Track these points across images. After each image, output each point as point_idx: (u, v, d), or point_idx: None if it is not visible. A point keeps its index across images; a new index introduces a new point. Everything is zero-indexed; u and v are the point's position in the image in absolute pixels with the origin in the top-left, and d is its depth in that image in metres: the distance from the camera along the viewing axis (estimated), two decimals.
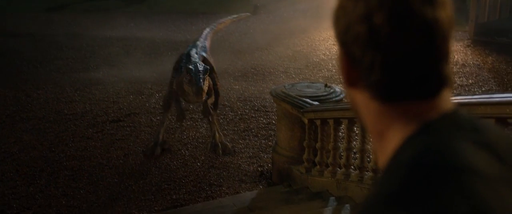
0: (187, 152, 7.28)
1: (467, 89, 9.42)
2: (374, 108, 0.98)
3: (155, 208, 5.97)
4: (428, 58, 0.94)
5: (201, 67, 6.34)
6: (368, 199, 0.89)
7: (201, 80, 6.18)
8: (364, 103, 1.00)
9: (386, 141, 0.99)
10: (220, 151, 7.17)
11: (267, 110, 8.73)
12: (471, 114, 1.03)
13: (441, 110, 0.97)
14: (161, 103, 7.65)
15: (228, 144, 7.34)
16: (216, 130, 7.30)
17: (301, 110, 5.74)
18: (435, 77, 0.95)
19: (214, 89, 7.15)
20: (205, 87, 6.23)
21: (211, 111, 7.16)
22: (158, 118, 8.28)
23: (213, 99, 7.29)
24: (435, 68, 0.95)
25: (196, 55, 7.08)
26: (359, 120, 1.06)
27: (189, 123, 8.16)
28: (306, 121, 5.75)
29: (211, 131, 7.34)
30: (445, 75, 0.96)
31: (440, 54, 0.95)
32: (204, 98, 6.41)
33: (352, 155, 5.49)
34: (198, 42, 7.74)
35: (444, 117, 0.97)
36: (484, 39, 12.50)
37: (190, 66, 6.33)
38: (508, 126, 3.20)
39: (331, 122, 5.39)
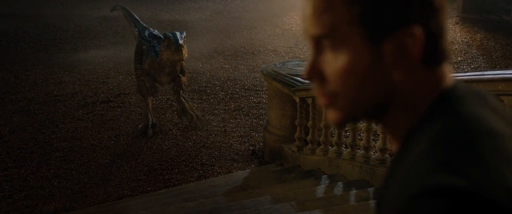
0: (178, 132, 7.28)
1: (456, 66, 9.45)
2: (421, 77, 0.97)
3: (148, 188, 5.97)
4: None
5: (178, 32, 6.54)
6: (412, 169, 0.87)
7: (180, 38, 6.37)
8: (412, 77, 0.97)
9: (410, 111, 0.99)
10: (195, 120, 7.30)
11: (257, 88, 8.72)
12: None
13: (449, 76, 1.00)
14: (138, 93, 7.59)
15: (200, 116, 7.46)
16: (186, 102, 7.40)
17: (293, 89, 5.72)
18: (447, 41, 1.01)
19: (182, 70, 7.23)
20: (185, 48, 6.41)
21: (183, 86, 7.25)
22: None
23: (185, 79, 7.31)
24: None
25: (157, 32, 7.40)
26: (373, 114, 1.02)
27: None
28: (297, 100, 5.74)
29: (180, 103, 7.35)
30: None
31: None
32: (184, 57, 6.50)
33: (344, 133, 5.50)
34: (148, 27, 7.77)
35: (456, 85, 0.99)
36: (472, 16, 12.52)
37: (168, 33, 6.54)
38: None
39: None
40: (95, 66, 10.04)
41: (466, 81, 3.33)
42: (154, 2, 15.79)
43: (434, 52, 0.96)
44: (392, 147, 1.07)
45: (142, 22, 7.95)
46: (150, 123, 7.23)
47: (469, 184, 0.80)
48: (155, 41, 7.04)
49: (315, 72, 0.99)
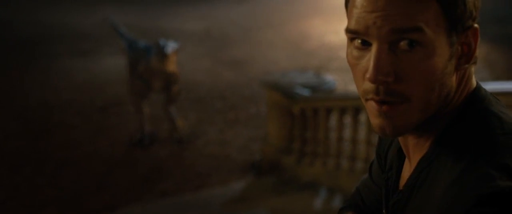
0: (175, 141, 7.18)
1: None
2: (463, 76, 0.99)
3: (143, 198, 5.89)
4: None
5: (171, 42, 6.49)
6: (465, 176, 0.85)
7: (169, 48, 6.32)
8: (458, 77, 0.99)
9: (449, 110, 0.98)
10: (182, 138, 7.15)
11: (257, 99, 8.63)
12: None
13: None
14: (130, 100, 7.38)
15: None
16: (178, 120, 7.23)
17: (292, 100, 5.67)
18: None
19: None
20: (171, 59, 6.36)
21: (175, 98, 7.13)
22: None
23: (178, 87, 7.18)
24: None
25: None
26: (432, 97, 0.97)
27: (177, 111, 8.06)
28: (296, 111, 5.68)
29: (172, 119, 7.18)
30: None
31: None
32: (169, 68, 6.45)
33: (344, 145, 5.43)
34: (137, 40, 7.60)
35: (479, 84, 1.02)
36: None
37: (162, 40, 6.49)
38: None
39: (322, 111, 5.32)
40: (92, 73, 9.96)
41: None
42: (152, 10, 15.73)
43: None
44: (412, 153, 1.03)
45: (130, 35, 7.72)
46: (145, 132, 7.07)
47: None
48: (148, 49, 6.83)
49: (387, 72, 0.92)
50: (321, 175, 5.48)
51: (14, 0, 16.70)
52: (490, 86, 3.50)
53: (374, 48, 0.92)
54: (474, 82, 1.01)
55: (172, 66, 6.42)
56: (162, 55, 6.28)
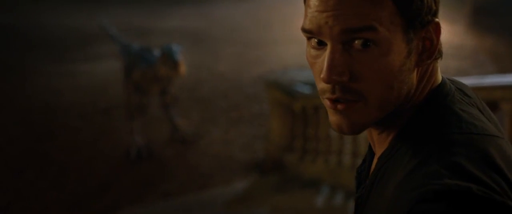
0: (178, 142, 7.17)
1: (464, 72, 9.31)
2: (427, 70, 0.98)
3: (146, 199, 5.89)
4: None
5: (174, 47, 6.35)
6: (415, 172, 0.84)
7: (177, 54, 6.17)
8: (421, 72, 0.97)
9: (410, 106, 0.97)
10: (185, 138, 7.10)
11: (260, 97, 8.61)
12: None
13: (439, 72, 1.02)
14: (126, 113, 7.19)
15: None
16: (179, 122, 7.20)
17: (293, 97, 5.66)
18: None
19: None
20: (182, 64, 6.23)
21: (175, 99, 7.11)
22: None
23: (174, 89, 7.16)
24: None
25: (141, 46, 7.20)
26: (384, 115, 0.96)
27: (180, 111, 8.05)
28: (297, 109, 5.67)
29: (173, 120, 7.14)
30: None
31: None
32: (183, 73, 6.33)
33: (345, 142, 5.40)
34: (130, 43, 7.53)
35: (445, 81, 1.00)
36: (482, 20, 12.36)
37: (165, 47, 6.35)
38: (499, 109, 3.19)
39: (323, 109, 5.29)
40: (94, 76, 9.97)
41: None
42: (153, 9, 15.75)
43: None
44: (377, 148, 1.02)
45: (124, 40, 7.64)
46: (140, 145, 6.81)
47: (478, 186, 0.78)
48: (144, 52, 6.78)
49: (341, 72, 0.91)
50: (323, 173, 5.46)
51: (16, 4, 16.76)
52: (496, 79, 3.47)
53: (328, 48, 0.92)
54: (439, 78, 0.99)
55: (182, 70, 6.29)
56: (174, 62, 6.12)
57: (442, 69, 1.02)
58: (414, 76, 0.95)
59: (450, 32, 11.72)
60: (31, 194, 6.02)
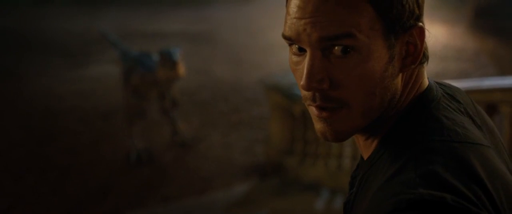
0: (178, 145, 7.18)
1: (465, 74, 9.30)
2: (411, 76, 0.96)
3: (146, 203, 5.89)
4: None
5: (173, 49, 6.40)
6: (393, 180, 0.83)
7: (175, 55, 6.19)
8: (405, 79, 0.95)
9: (387, 116, 0.95)
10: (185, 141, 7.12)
11: (260, 101, 8.61)
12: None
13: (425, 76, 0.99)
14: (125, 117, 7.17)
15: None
16: (180, 125, 7.21)
17: (292, 101, 5.65)
18: None
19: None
20: (181, 65, 6.24)
21: (176, 103, 7.10)
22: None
23: (176, 94, 7.16)
24: None
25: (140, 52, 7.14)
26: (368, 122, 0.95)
27: (180, 115, 8.06)
28: (297, 112, 5.66)
29: (173, 124, 7.16)
30: None
31: None
32: (181, 74, 6.33)
33: (345, 146, 5.40)
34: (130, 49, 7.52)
35: (431, 86, 0.98)
36: (483, 22, 12.35)
37: (164, 50, 6.38)
38: (498, 112, 3.18)
39: None
40: (95, 80, 9.99)
41: (465, 90, 3.25)
42: (155, 13, 15.77)
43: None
44: (364, 153, 1.01)
45: (123, 45, 7.64)
46: (139, 150, 6.80)
47: (453, 197, 0.77)
48: (143, 57, 6.76)
49: (320, 79, 0.90)
50: (323, 176, 5.46)
51: (17, 8, 16.80)
52: (495, 82, 3.45)
53: (307, 55, 0.91)
54: (425, 83, 0.97)
55: (181, 71, 6.32)
56: (172, 63, 6.16)
57: (443, 72, 1.01)
58: (399, 82, 0.94)
59: (451, 35, 11.72)
60: (31, 198, 6.03)
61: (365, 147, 1.00)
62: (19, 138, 7.54)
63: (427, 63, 0.97)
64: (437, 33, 12.37)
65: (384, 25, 0.89)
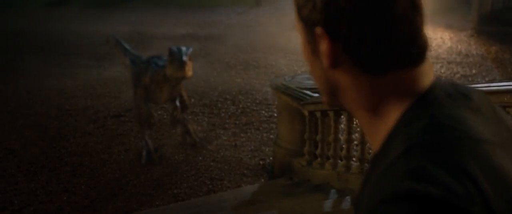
0: (188, 146, 7.25)
1: (470, 79, 9.34)
2: (367, 83, 0.95)
3: (156, 203, 5.94)
4: (415, 20, 0.92)
5: (184, 48, 6.35)
6: (385, 175, 0.85)
7: (184, 54, 6.20)
8: (353, 82, 0.96)
9: (382, 116, 0.97)
10: (203, 143, 7.24)
11: (269, 102, 8.69)
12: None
13: (429, 77, 0.96)
14: (136, 121, 7.27)
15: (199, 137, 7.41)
16: (191, 126, 7.31)
17: (301, 102, 5.68)
18: (421, 40, 0.93)
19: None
20: (188, 65, 6.23)
21: (186, 106, 7.19)
22: (159, 112, 8.26)
23: (185, 96, 7.23)
24: (420, 31, 0.93)
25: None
26: (339, 103, 1.02)
27: (190, 116, 8.14)
28: (306, 113, 5.70)
29: (188, 128, 7.26)
30: (426, 37, 0.94)
31: (422, 15, 0.93)
32: (188, 74, 6.30)
33: (353, 147, 5.44)
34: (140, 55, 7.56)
35: (435, 86, 0.96)
36: (488, 28, 12.39)
37: (173, 48, 6.33)
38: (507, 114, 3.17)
39: (331, 113, 5.34)
40: (107, 80, 10.09)
41: None
42: (167, 16, 15.86)
43: (371, 58, 0.92)
44: (373, 150, 1.04)
45: (133, 51, 7.67)
46: (151, 149, 6.95)
47: (439, 191, 0.77)
48: (154, 59, 6.80)
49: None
50: (331, 177, 5.49)
51: (31, 10, 16.91)
52: (499, 86, 3.44)
53: None
54: (425, 84, 0.96)
55: (189, 71, 6.30)
56: (180, 62, 6.17)
57: (449, 76, 1.02)
58: (345, 79, 0.97)
59: (457, 40, 11.74)
60: (44, 196, 6.09)
61: (373, 143, 1.03)
62: (31, 138, 7.64)
63: (413, 67, 0.94)
64: (444, 37, 12.40)
65: (301, 18, 0.99)
